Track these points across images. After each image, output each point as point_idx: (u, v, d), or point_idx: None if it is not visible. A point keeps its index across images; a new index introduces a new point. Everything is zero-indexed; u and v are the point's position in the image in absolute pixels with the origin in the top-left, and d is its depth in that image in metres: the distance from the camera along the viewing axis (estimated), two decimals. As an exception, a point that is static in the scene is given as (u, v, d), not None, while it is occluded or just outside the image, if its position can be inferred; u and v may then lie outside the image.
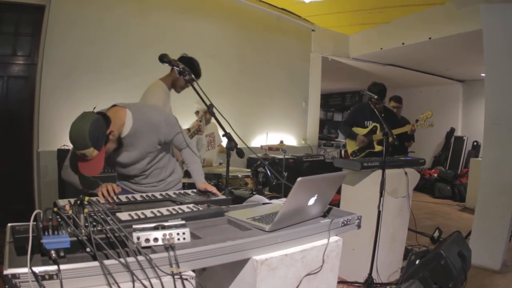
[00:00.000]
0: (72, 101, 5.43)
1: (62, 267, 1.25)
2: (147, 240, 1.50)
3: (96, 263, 1.31)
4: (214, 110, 2.60)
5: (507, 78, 4.73)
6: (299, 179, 1.76)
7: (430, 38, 7.55)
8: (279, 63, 8.42)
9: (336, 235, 2.06)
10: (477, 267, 4.61)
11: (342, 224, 2.09)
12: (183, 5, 6.76)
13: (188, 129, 4.66)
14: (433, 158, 12.70)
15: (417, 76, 11.44)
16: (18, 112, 5.46)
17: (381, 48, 8.79)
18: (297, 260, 1.84)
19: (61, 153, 5.10)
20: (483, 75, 5.32)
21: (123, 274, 1.35)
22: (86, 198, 1.60)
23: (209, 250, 1.54)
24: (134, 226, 1.55)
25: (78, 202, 1.57)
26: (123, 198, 2.34)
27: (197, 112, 5.11)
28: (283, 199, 2.50)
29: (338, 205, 4.13)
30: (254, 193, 4.20)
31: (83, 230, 1.49)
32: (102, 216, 1.56)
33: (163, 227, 1.55)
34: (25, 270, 1.20)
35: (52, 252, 1.31)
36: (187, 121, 5.01)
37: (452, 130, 12.50)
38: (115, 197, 2.33)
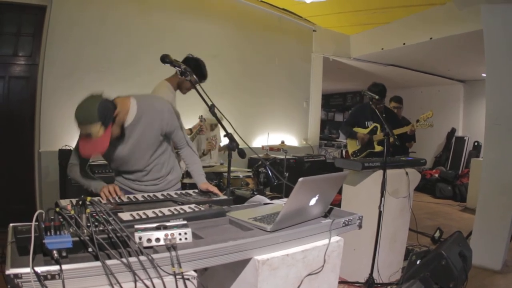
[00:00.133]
0: (73, 101, 5.33)
1: (64, 267, 1.25)
2: (149, 240, 1.51)
3: (98, 263, 1.31)
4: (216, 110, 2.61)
5: (507, 78, 4.73)
6: (300, 179, 1.76)
7: (431, 39, 7.55)
8: (280, 63, 8.42)
9: (337, 235, 2.06)
10: (477, 267, 4.61)
11: (343, 224, 2.10)
12: (184, 6, 6.77)
13: (190, 129, 4.66)
14: (434, 158, 12.69)
15: (418, 76, 11.43)
16: (19, 112, 5.47)
17: (382, 49, 8.79)
18: (298, 260, 1.84)
19: (63, 154, 5.10)
20: (484, 75, 5.33)
21: (125, 274, 1.35)
22: (88, 198, 1.60)
23: (210, 250, 1.55)
24: (136, 226, 1.55)
25: (80, 202, 1.57)
26: (124, 198, 2.34)
27: (201, 116, 5.11)
28: (284, 199, 2.50)
29: (339, 205, 4.13)
30: (255, 193, 4.20)
31: (85, 230, 1.49)
32: (104, 216, 1.57)
33: (165, 227, 1.56)
34: (27, 270, 1.20)
35: (54, 252, 1.31)
36: (190, 122, 5.01)
37: (453, 130, 12.49)
38: (116, 198, 2.34)
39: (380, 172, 3.78)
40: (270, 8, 7.97)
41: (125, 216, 1.85)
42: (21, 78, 5.44)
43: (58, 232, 1.40)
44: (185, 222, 1.65)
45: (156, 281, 1.39)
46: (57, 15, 5.33)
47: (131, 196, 2.41)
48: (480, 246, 4.68)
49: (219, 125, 2.69)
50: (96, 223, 1.57)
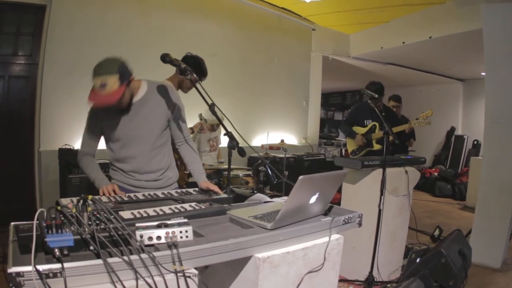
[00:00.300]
0: (73, 100, 5.44)
1: (66, 265, 1.25)
2: (150, 238, 1.51)
3: (99, 261, 1.32)
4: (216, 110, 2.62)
5: (507, 77, 4.74)
6: (300, 177, 1.76)
7: (430, 37, 7.55)
8: (279, 62, 8.42)
9: (337, 233, 2.07)
10: (477, 265, 4.62)
11: (343, 222, 2.10)
12: (184, 5, 6.77)
13: (191, 129, 4.67)
14: (433, 157, 12.70)
15: (417, 75, 11.44)
16: (19, 111, 5.47)
17: (382, 47, 8.79)
18: (299, 258, 1.84)
19: (63, 153, 5.12)
20: (483, 74, 5.33)
21: (127, 272, 1.35)
22: (90, 197, 1.61)
23: (211, 248, 1.55)
24: (137, 225, 1.55)
25: (81, 201, 1.58)
26: (125, 197, 2.35)
27: (200, 114, 5.12)
28: (285, 198, 2.51)
29: (338, 204, 4.13)
30: (255, 192, 4.21)
31: (86, 229, 1.50)
32: (105, 215, 1.57)
33: (166, 225, 1.56)
34: (29, 268, 1.20)
35: (56, 250, 1.32)
36: (190, 121, 5.01)
37: (453, 129, 12.50)
38: (117, 197, 2.35)
39: (380, 170, 3.79)
40: (270, 7, 7.98)
41: (126, 214, 1.86)
42: (21, 78, 5.45)
43: (59, 231, 1.40)
44: (186, 220, 1.65)
45: (158, 279, 1.39)
46: (56, 15, 5.33)
47: (131, 194, 2.41)
48: (479, 244, 4.69)
49: (220, 126, 2.70)
50: (97, 222, 1.58)
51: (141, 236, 1.50)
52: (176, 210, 1.99)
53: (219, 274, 1.92)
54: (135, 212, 1.91)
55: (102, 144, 2.84)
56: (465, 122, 12.43)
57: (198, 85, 2.60)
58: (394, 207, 4.12)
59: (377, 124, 5.17)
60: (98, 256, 1.37)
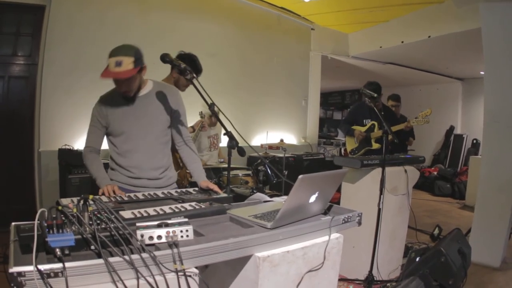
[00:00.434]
0: (73, 100, 5.45)
1: (67, 264, 1.26)
2: (151, 237, 1.52)
3: (101, 261, 1.33)
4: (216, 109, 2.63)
5: (506, 76, 4.74)
6: (300, 176, 1.77)
7: (429, 37, 7.55)
8: (279, 62, 8.43)
9: (337, 232, 2.08)
10: (477, 264, 4.63)
11: (343, 221, 2.11)
12: (183, 5, 6.77)
13: (192, 127, 4.67)
14: (432, 156, 12.70)
15: (416, 74, 11.44)
16: (19, 112, 5.47)
17: (381, 47, 8.79)
18: (299, 257, 1.85)
19: (62, 153, 5.12)
20: (482, 73, 5.34)
21: (128, 271, 1.36)
22: (91, 197, 1.61)
23: (212, 247, 1.56)
24: (137, 224, 1.56)
25: (82, 200, 1.58)
26: (125, 197, 2.36)
27: (201, 112, 5.13)
28: (284, 197, 2.52)
29: (338, 203, 4.14)
30: (255, 191, 4.21)
31: (87, 228, 1.50)
32: (106, 214, 1.58)
33: (167, 225, 1.57)
34: (30, 268, 1.21)
35: (57, 250, 1.32)
36: (189, 120, 5.02)
37: (452, 128, 12.49)
38: (117, 196, 2.36)
39: (379, 169, 3.79)
40: (269, 7, 7.99)
41: (127, 214, 1.86)
42: (20, 78, 5.44)
43: (60, 230, 1.41)
44: (186, 219, 1.66)
45: (158, 278, 1.40)
46: (56, 15, 5.33)
47: (131, 194, 2.42)
48: (479, 243, 4.70)
49: (220, 124, 2.71)
50: (98, 221, 1.58)
51: (142, 236, 1.51)
52: (177, 210, 1.99)
53: (219, 273, 1.92)
54: (135, 211, 1.91)
55: (104, 145, 2.85)
56: (464, 121, 12.43)
57: (198, 84, 2.61)
58: (394, 206, 4.13)
59: (376, 123, 5.19)
60: (99, 256, 1.38)
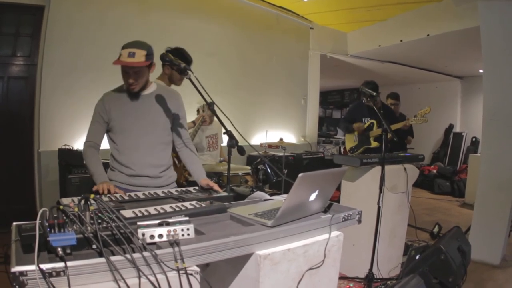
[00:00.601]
0: (72, 101, 5.45)
1: (69, 263, 1.26)
2: (152, 236, 1.52)
3: (102, 260, 1.33)
4: (216, 108, 2.64)
5: (505, 74, 4.75)
6: (300, 174, 1.78)
7: (428, 35, 7.56)
8: (278, 61, 8.44)
9: (337, 230, 2.08)
10: (476, 262, 4.63)
11: (343, 219, 2.12)
12: (183, 5, 6.78)
13: (193, 122, 4.66)
14: (432, 154, 12.71)
15: (415, 72, 11.44)
16: (19, 112, 5.47)
17: (380, 45, 8.80)
18: (299, 255, 1.86)
19: (62, 153, 5.12)
20: (481, 71, 5.34)
21: (129, 270, 1.37)
22: (92, 196, 1.62)
23: (213, 245, 1.57)
24: (138, 223, 1.56)
25: (84, 199, 1.59)
26: (125, 196, 2.36)
27: (198, 110, 5.12)
28: (284, 195, 2.52)
29: (338, 202, 4.15)
30: (255, 190, 4.22)
31: (88, 227, 1.50)
32: (107, 214, 1.58)
33: (168, 224, 1.57)
34: (32, 267, 1.21)
35: (59, 249, 1.32)
36: (189, 118, 5.03)
37: (451, 126, 12.50)
38: (118, 196, 2.36)
39: (379, 168, 3.80)
40: (268, 6, 7.99)
41: (127, 213, 1.87)
42: (20, 79, 5.44)
43: (62, 230, 1.41)
44: (187, 218, 1.66)
45: (160, 276, 1.41)
46: (55, 15, 5.33)
47: (132, 194, 2.42)
48: (478, 241, 4.71)
49: (220, 123, 2.71)
50: (99, 220, 1.59)
51: (143, 235, 1.51)
52: (177, 209, 2.00)
53: (220, 271, 1.93)
54: (136, 211, 1.91)
55: (104, 145, 2.85)
56: (464, 119, 12.45)
57: (198, 84, 2.61)
58: (393, 204, 4.14)
59: (375, 122, 5.20)
60: (100, 255, 1.38)
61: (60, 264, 1.26)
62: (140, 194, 2.42)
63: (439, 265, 3.31)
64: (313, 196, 1.98)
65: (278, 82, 8.49)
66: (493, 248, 4.77)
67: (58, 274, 1.25)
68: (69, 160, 5.03)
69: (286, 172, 5.86)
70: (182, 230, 1.58)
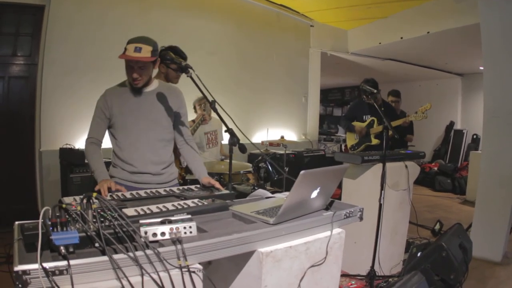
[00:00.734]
0: (73, 100, 5.46)
1: (72, 262, 1.27)
2: (155, 234, 1.53)
3: (105, 258, 1.33)
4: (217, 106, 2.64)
5: (505, 71, 4.74)
6: (302, 172, 1.78)
7: (428, 32, 7.55)
8: (278, 59, 8.43)
9: (339, 227, 2.09)
10: (478, 259, 4.63)
11: (345, 216, 2.12)
12: (183, 4, 6.77)
13: (193, 121, 4.66)
14: (433, 151, 12.70)
15: (416, 70, 11.43)
16: (19, 112, 5.48)
17: (380, 43, 8.79)
18: (301, 252, 1.86)
19: (63, 152, 5.13)
20: (481, 68, 5.34)
21: (132, 268, 1.37)
22: (94, 194, 1.62)
23: (215, 243, 1.57)
24: (141, 221, 1.57)
25: (86, 198, 1.59)
26: (127, 194, 2.36)
27: (194, 108, 5.12)
28: (286, 193, 2.52)
29: (339, 200, 4.15)
30: (256, 188, 4.22)
31: (91, 226, 1.51)
32: (110, 212, 1.59)
33: (170, 222, 1.58)
34: (35, 266, 1.22)
35: (62, 247, 1.32)
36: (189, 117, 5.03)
37: (452, 124, 12.50)
38: (119, 194, 2.36)
39: (380, 165, 3.80)
40: (268, 4, 7.99)
41: (130, 211, 1.87)
42: (20, 78, 5.45)
43: (64, 228, 1.41)
44: (189, 216, 1.67)
45: (163, 274, 1.41)
46: (55, 15, 5.33)
47: (134, 192, 2.43)
48: (480, 238, 4.71)
49: (220, 121, 2.71)
50: (102, 219, 1.59)
51: (146, 233, 1.52)
52: (179, 207, 2.00)
53: (223, 269, 1.93)
54: (138, 209, 1.92)
55: (106, 144, 2.85)
56: (464, 117, 12.43)
57: (199, 83, 2.62)
58: (395, 201, 4.14)
59: (375, 119, 5.21)
60: (103, 253, 1.39)
61: (63, 263, 1.26)
62: (142, 193, 2.43)
63: (441, 262, 3.31)
64: (314, 194, 1.98)
65: (279, 80, 8.49)
66: (495, 245, 4.77)
67: (61, 272, 1.26)
68: (71, 159, 5.03)
69: (287, 169, 5.87)
70: (185, 228, 1.58)
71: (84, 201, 1.58)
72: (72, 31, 5.50)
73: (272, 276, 1.76)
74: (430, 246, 3.54)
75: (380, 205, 3.69)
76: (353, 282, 3.97)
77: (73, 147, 5.20)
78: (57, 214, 1.44)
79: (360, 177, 4.12)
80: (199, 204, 2.09)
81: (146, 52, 2.55)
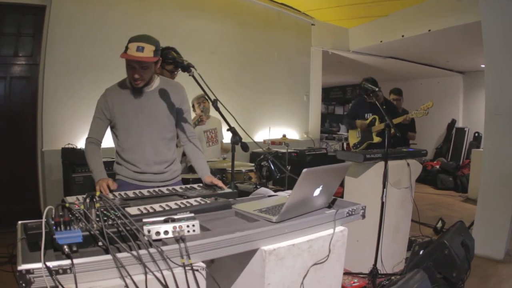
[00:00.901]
0: (75, 100, 5.46)
1: (75, 261, 1.27)
2: (158, 233, 1.53)
3: (108, 257, 1.34)
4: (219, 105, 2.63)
5: (506, 69, 4.74)
6: (304, 170, 1.78)
7: (429, 30, 7.55)
8: (280, 58, 8.43)
9: (342, 225, 2.09)
10: (480, 256, 4.63)
11: (347, 214, 2.12)
12: (184, 3, 6.78)
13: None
14: (434, 149, 12.70)
15: (417, 68, 11.43)
16: (21, 112, 5.49)
17: (381, 41, 8.79)
18: (304, 250, 1.86)
19: (66, 152, 5.13)
20: (483, 66, 5.33)
21: (135, 267, 1.37)
22: (98, 193, 1.62)
23: (218, 241, 1.57)
24: (144, 220, 1.57)
25: (89, 197, 1.59)
26: (130, 193, 2.37)
27: (193, 106, 5.12)
28: (288, 191, 2.53)
29: (341, 198, 4.14)
30: (258, 187, 4.22)
31: (94, 225, 1.51)
32: (113, 211, 1.59)
33: (173, 220, 1.58)
34: (39, 265, 1.22)
35: (65, 247, 1.33)
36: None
37: (453, 122, 12.49)
38: (122, 193, 2.37)
39: (382, 163, 3.79)
40: (269, 3, 7.99)
41: (133, 210, 1.87)
42: (22, 78, 5.46)
43: (68, 227, 1.42)
44: (192, 214, 1.67)
45: (166, 273, 1.41)
46: (56, 15, 5.34)
47: (136, 191, 2.43)
48: (482, 236, 4.71)
49: (221, 120, 2.72)
50: (105, 218, 1.59)
51: (149, 231, 1.52)
52: (182, 206, 2.00)
53: (226, 267, 1.94)
54: (141, 208, 1.92)
55: (106, 143, 2.86)
56: (466, 115, 12.42)
57: (202, 82, 2.61)
58: (397, 199, 4.14)
59: (377, 117, 5.21)
60: (107, 252, 1.39)
61: (67, 262, 1.27)
62: (145, 192, 2.43)
63: (443, 260, 3.31)
64: (317, 192, 1.98)
65: (280, 79, 8.49)
66: (497, 242, 4.77)
67: (64, 271, 1.26)
68: (73, 159, 5.03)
69: (289, 168, 5.87)
70: (188, 226, 1.58)
71: (87, 200, 1.59)
72: (73, 31, 5.51)
73: (275, 274, 1.76)
74: (432, 244, 3.54)
75: (382, 203, 3.69)
76: (355, 280, 3.96)
77: (75, 147, 5.21)
78: (60, 213, 1.45)
79: (362, 175, 4.12)
80: (202, 202, 2.09)
81: (148, 51, 2.50)
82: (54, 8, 5.32)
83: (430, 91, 12.81)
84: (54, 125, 5.42)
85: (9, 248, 4.07)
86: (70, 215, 1.48)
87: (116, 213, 1.56)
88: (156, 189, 2.51)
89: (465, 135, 11.98)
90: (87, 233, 1.46)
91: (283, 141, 6.34)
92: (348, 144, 6.07)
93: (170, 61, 2.90)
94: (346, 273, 4.02)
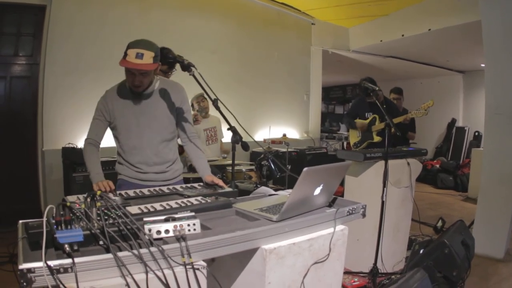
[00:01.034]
0: (75, 99, 5.47)
1: (76, 260, 1.27)
2: (159, 232, 1.53)
3: (109, 255, 1.33)
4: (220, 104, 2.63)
5: (506, 68, 4.73)
6: (305, 169, 1.78)
7: (429, 30, 7.55)
8: (280, 57, 8.44)
9: (342, 224, 2.09)
10: (480, 256, 4.63)
11: (348, 213, 2.12)
12: (184, 3, 6.78)
13: None
14: (435, 149, 12.70)
15: (417, 67, 11.43)
16: (22, 112, 5.49)
17: (381, 41, 8.79)
18: (305, 249, 1.86)
19: (66, 152, 5.14)
20: (483, 65, 5.33)
21: (136, 265, 1.37)
22: (98, 192, 1.62)
23: (219, 240, 1.57)
24: (145, 219, 1.58)
25: (90, 196, 1.60)
26: (131, 193, 2.37)
27: (192, 105, 5.13)
28: (289, 191, 2.53)
29: (341, 197, 4.15)
30: (258, 186, 4.22)
31: (95, 224, 1.51)
32: (114, 210, 1.59)
33: (174, 219, 1.58)
34: (40, 264, 1.22)
35: (66, 246, 1.33)
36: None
37: (453, 121, 12.49)
38: (122, 193, 2.37)
39: (382, 162, 3.79)
40: (269, 3, 7.99)
41: (133, 209, 1.88)
42: (22, 78, 5.47)
43: (69, 226, 1.42)
44: (193, 213, 1.67)
45: (167, 271, 1.41)
46: (56, 15, 5.35)
47: (137, 190, 2.43)
48: (482, 235, 4.71)
49: (220, 119, 2.72)
50: (106, 217, 1.60)
51: (150, 230, 1.53)
52: (183, 205, 2.01)
53: (226, 266, 1.94)
54: (142, 207, 1.93)
55: (106, 143, 2.86)
56: (466, 114, 12.42)
57: (202, 81, 2.61)
58: (397, 198, 4.14)
59: (377, 116, 5.21)
60: (108, 251, 1.39)
61: (68, 261, 1.26)
62: (146, 191, 2.43)
63: (443, 259, 3.31)
64: (317, 191, 1.98)
65: (281, 78, 8.50)
66: (497, 242, 4.77)
67: (65, 270, 1.26)
68: (73, 158, 5.04)
69: (289, 167, 5.87)
70: (188, 225, 1.59)
71: (88, 199, 1.59)
72: (73, 31, 5.52)
73: (275, 273, 1.76)
74: (432, 243, 3.54)
75: (383, 203, 3.69)
76: (355, 279, 3.97)
77: (75, 146, 5.22)
78: (61, 212, 1.45)
79: (362, 174, 4.12)
80: (203, 201, 2.10)
81: (148, 58, 2.46)
82: (54, 8, 5.33)
83: (430, 91, 12.81)
84: (54, 124, 5.42)
85: (9, 247, 4.08)
86: (71, 214, 1.49)
87: (117, 212, 1.57)
88: (157, 188, 2.51)
89: (465, 134, 11.98)
90: (88, 232, 1.47)
91: (283, 140, 6.36)
92: (348, 143, 6.07)
93: (170, 60, 2.88)
94: (347, 272, 4.02)
